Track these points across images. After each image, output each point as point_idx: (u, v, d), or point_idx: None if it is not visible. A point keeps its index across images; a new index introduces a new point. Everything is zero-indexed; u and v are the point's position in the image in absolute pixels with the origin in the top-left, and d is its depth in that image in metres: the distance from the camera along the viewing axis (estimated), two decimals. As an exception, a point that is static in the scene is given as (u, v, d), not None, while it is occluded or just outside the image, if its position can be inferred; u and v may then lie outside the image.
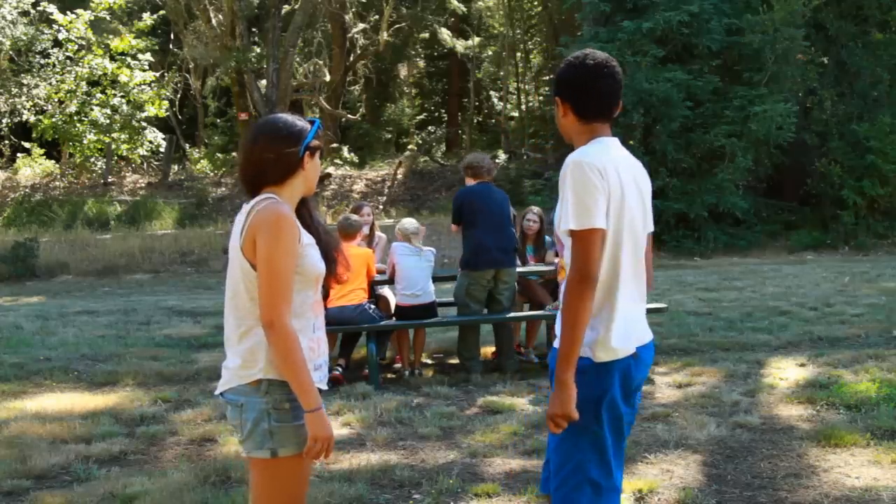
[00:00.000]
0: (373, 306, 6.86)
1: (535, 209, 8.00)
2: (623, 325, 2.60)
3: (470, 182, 6.91)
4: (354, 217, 7.07)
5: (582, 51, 2.71)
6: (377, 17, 28.27)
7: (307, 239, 2.57)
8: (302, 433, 2.49)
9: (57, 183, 24.53)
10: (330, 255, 2.68)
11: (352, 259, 6.58)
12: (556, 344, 2.70)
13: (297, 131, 2.59)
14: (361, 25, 27.56)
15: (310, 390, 2.44)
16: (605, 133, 2.66)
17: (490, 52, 32.82)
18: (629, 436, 4.86)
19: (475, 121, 32.58)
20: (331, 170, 25.70)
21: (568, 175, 2.52)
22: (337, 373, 6.66)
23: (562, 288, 2.66)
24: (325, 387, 2.63)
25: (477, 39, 30.46)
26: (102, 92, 23.62)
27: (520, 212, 11.22)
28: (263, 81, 23.63)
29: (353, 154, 28.33)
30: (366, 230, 7.45)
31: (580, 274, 2.46)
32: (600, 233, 2.49)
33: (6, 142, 26.31)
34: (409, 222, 7.16)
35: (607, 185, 2.52)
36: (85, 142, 23.50)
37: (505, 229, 6.83)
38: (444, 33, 28.24)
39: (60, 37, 23.23)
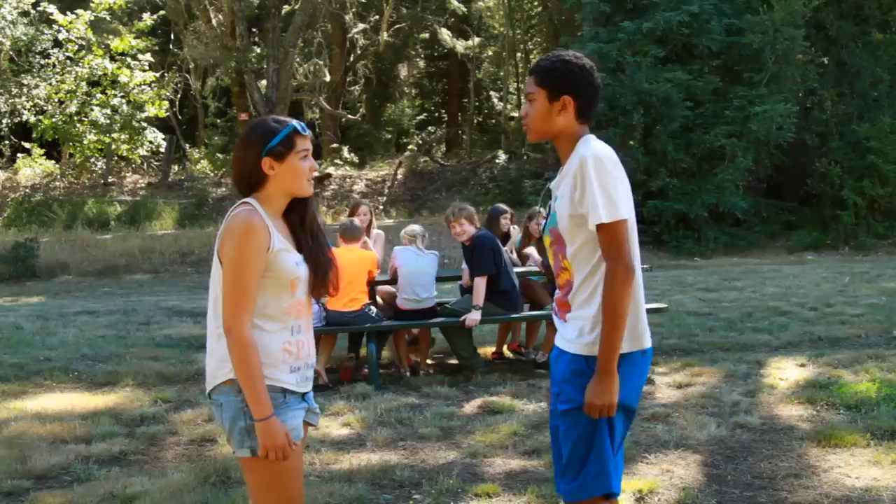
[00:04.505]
0: (373, 307, 6.86)
1: (539, 210, 7.97)
2: (643, 315, 2.66)
3: (471, 227, 6.86)
4: (357, 220, 7.09)
5: (569, 50, 2.73)
6: (377, 17, 28.28)
7: (279, 244, 2.56)
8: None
9: (57, 183, 24.54)
10: (318, 265, 2.65)
11: (356, 262, 6.62)
12: (557, 342, 2.71)
13: (259, 135, 2.59)
14: (361, 26, 27.56)
15: (260, 399, 2.45)
16: (588, 132, 2.70)
17: (490, 53, 32.82)
18: (629, 435, 4.87)
19: (475, 121, 32.58)
20: (331, 170, 25.71)
21: (590, 169, 2.52)
22: (350, 363, 6.80)
23: (574, 285, 2.64)
24: (302, 389, 2.62)
25: (477, 39, 30.45)
26: (102, 92, 23.61)
27: (520, 212, 11.23)
28: (263, 82, 23.63)
29: (353, 154, 28.34)
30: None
31: (623, 266, 2.51)
32: (627, 223, 2.54)
33: (6, 142, 26.31)
34: (415, 226, 7.22)
35: (622, 178, 2.58)
36: (85, 142, 23.50)
37: None
38: (444, 33, 28.23)
39: (60, 37, 23.23)
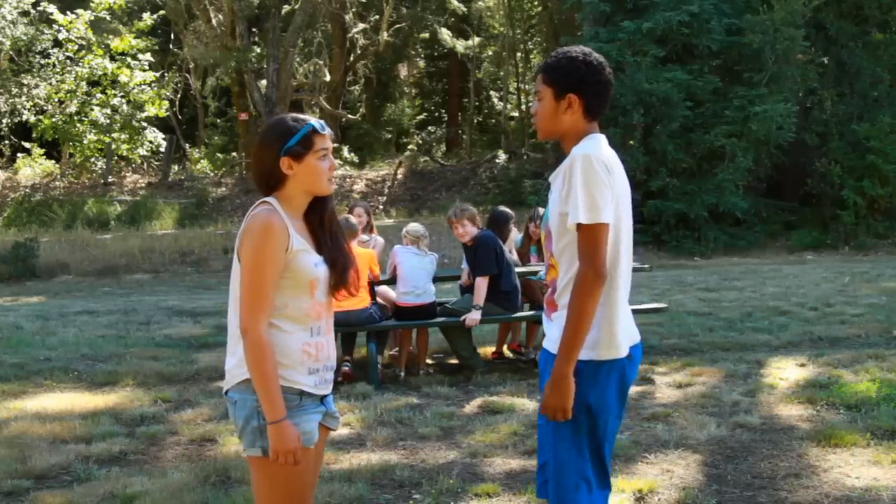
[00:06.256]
0: (374, 307, 6.87)
1: (542, 211, 7.91)
2: (622, 322, 2.60)
3: (473, 228, 6.86)
4: (353, 218, 7.09)
5: (577, 47, 2.67)
6: (377, 17, 28.28)
7: (298, 244, 2.54)
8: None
9: (57, 183, 24.53)
10: (336, 265, 2.63)
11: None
12: (545, 344, 2.69)
13: (276, 134, 2.57)
14: (361, 25, 27.56)
15: (274, 401, 2.43)
16: (598, 130, 2.66)
17: (490, 52, 32.82)
18: (629, 434, 4.87)
19: (475, 121, 32.58)
20: (331, 170, 25.69)
21: (577, 169, 2.49)
22: (347, 369, 6.72)
23: (559, 284, 2.63)
24: (320, 392, 2.60)
25: (477, 39, 30.45)
26: (102, 92, 23.62)
27: (520, 212, 11.21)
28: (263, 81, 23.63)
29: (353, 154, 28.33)
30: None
31: (594, 270, 2.45)
32: (607, 228, 2.49)
33: (6, 142, 26.31)
34: (418, 226, 7.21)
35: (613, 181, 2.53)
36: (85, 142, 23.51)
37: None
38: (444, 33, 28.24)
39: (60, 37, 23.23)
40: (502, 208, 7.95)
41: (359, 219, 7.36)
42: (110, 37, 24.47)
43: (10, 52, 23.89)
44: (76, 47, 23.47)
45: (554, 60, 2.65)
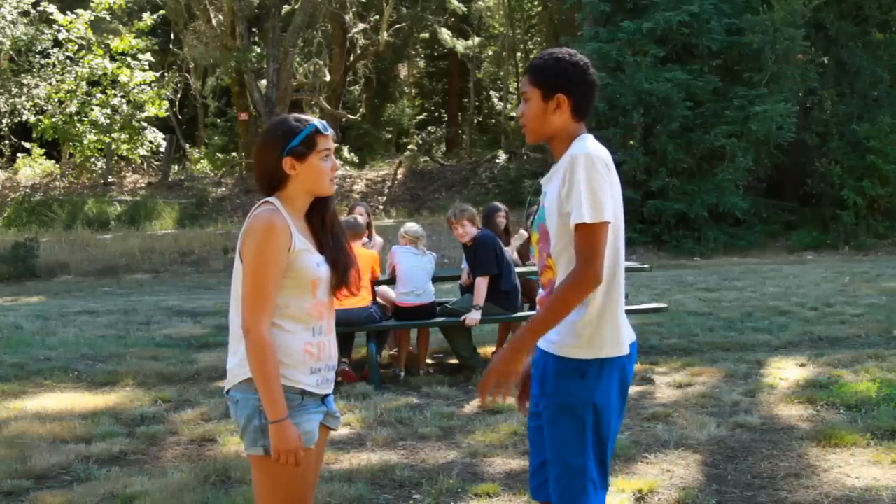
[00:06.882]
0: (375, 306, 6.87)
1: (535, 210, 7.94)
2: (623, 319, 2.62)
3: (473, 228, 6.87)
4: (360, 218, 7.09)
5: (563, 48, 2.69)
6: (377, 17, 28.29)
7: (301, 244, 2.55)
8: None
9: (57, 183, 24.54)
10: (338, 265, 2.64)
11: (359, 260, 6.60)
12: (540, 344, 2.68)
13: (280, 134, 2.57)
14: (361, 25, 27.56)
15: (276, 400, 2.44)
16: (585, 130, 2.67)
17: (490, 52, 32.82)
18: (629, 434, 4.87)
19: (475, 121, 32.58)
20: (331, 170, 25.71)
21: (580, 167, 2.48)
22: (345, 367, 6.71)
23: (559, 284, 2.62)
24: (322, 391, 2.60)
25: (477, 39, 30.46)
26: (102, 92, 23.62)
27: (520, 211, 11.21)
28: (263, 81, 23.63)
29: (353, 154, 28.33)
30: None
31: (592, 270, 2.45)
32: (608, 227, 2.49)
33: (6, 142, 26.31)
34: (416, 226, 7.21)
35: (612, 179, 2.54)
36: (85, 142, 23.51)
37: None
38: (444, 33, 28.24)
39: (60, 37, 23.23)
40: (491, 203, 8.02)
41: (360, 218, 7.37)
42: (110, 37, 24.47)
43: (10, 52, 23.88)
44: (76, 47, 23.47)
45: (541, 61, 2.65)
